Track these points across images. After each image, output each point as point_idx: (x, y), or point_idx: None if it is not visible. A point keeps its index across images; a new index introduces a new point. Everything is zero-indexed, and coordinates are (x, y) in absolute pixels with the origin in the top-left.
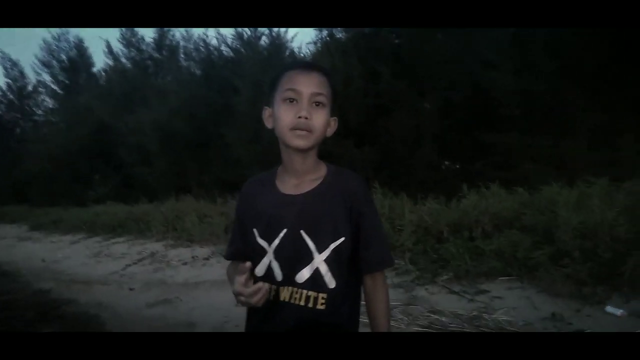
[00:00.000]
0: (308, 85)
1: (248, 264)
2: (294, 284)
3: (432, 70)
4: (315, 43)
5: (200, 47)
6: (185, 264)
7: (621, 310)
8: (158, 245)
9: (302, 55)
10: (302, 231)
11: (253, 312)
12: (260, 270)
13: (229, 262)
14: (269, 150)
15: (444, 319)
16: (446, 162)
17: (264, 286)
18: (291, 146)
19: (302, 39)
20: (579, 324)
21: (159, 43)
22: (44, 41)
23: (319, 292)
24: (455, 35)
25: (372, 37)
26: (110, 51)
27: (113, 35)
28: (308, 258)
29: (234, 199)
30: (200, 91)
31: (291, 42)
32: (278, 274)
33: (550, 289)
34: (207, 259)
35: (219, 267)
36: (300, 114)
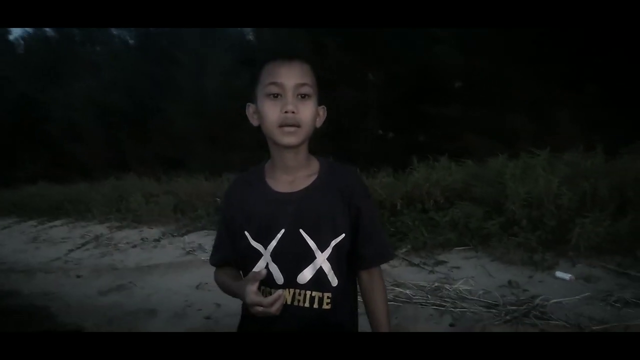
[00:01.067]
0: (290, 76)
1: (264, 271)
2: (295, 285)
3: (378, 44)
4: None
5: None
6: (134, 246)
7: (570, 275)
8: (102, 228)
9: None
10: (301, 230)
11: (249, 318)
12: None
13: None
14: (213, 124)
15: (407, 291)
16: (391, 134)
17: (282, 293)
18: (281, 144)
19: None
20: (533, 290)
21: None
22: None
23: (323, 291)
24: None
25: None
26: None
27: None
28: (309, 258)
29: (179, 176)
30: (137, 62)
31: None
32: (278, 277)
33: (504, 258)
34: (157, 240)
35: (171, 249)
36: (286, 108)
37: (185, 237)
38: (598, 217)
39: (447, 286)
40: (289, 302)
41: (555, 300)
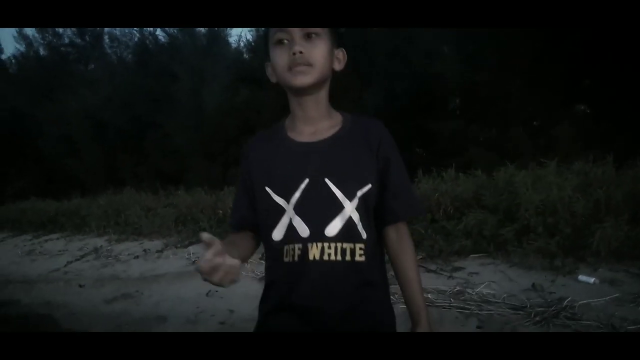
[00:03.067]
0: None
1: (207, 235)
2: (323, 238)
3: (377, 62)
4: (257, 30)
5: (134, 32)
6: (136, 257)
7: (594, 278)
8: (100, 241)
9: (242, 44)
10: (326, 179)
11: (273, 282)
12: (279, 233)
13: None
14: (211, 138)
15: (429, 295)
16: None
17: (224, 262)
18: (294, 86)
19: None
20: (558, 293)
21: (80, 28)
22: None
23: (355, 242)
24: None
25: None
26: (22, 35)
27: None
28: (337, 208)
29: (178, 190)
30: (134, 78)
31: (230, 28)
32: (303, 230)
33: (522, 263)
34: (160, 251)
35: (175, 259)
36: (293, 50)
37: (190, 247)
38: (617, 222)
39: (469, 290)
40: (317, 257)
41: (584, 302)
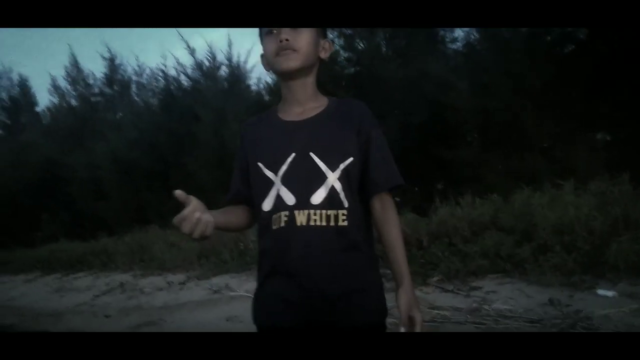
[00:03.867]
0: None
1: (179, 192)
2: (309, 206)
3: (390, 94)
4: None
5: (159, 77)
6: (160, 289)
7: (612, 292)
8: (126, 276)
9: (262, 86)
10: (311, 153)
11: (265, 251)
12: (268, 203)
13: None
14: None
15: (445, 312)
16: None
17: (200, 217)
18: (281, 70)
19: (261, 69)
20: (576, 306)
21: (110, 78)
22: None
23: (338, 209)
24: (410, 60)
25: (329, 64)
26: (55, 88)
27: (58, 73)
28: (321, 178)
29: None
30: (159, 120)
31: (251, 71)
32: (289, 199)
33: (540, 281)
34: (183, 283)
35: (198, 290)
36: (279, 37)
37: (212, 279)
38: (635, 235)
39: (485, 307)
40: (304, 223)
41: (602, 312)
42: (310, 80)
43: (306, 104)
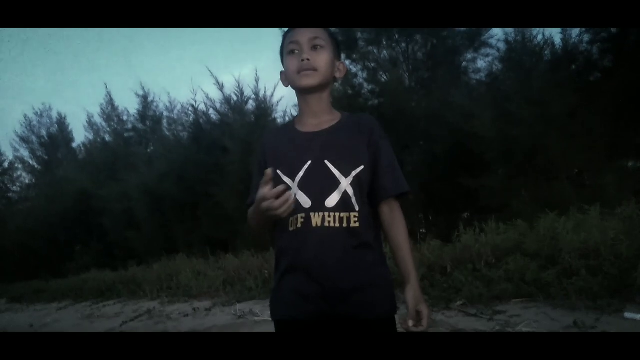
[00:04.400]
0: (304, 33)
1: (269, 170)
2: (324, 209)
3: (414, 125)
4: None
5: (189, 112)
6: (186, 316)
7: None
8: (154, 303)
9: (287, 119)
10: (326, 161)
11: (282, 251)
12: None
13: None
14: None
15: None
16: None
17: (286, 190)
18: (301, 86)
19: (287, 102)
20: (601, 328)
21: (143, 114)
22: (25, 117)
23: (350, 212)
24: (433, 91)
25: (354, 97)
26: (91, 125)
27: (94, 110)
28: (335, 184)
29: (227, 254)
30: (188, 153)
31: (277, 105)
32: (305, 202)
33: (566, 305)
34: (209, 309)
35: (222, 316)
36: (302, 57)
37: (237, 305)
38: None
39: (508, 329)
40: (319, 224)
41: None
42: (325, 95)
43: (322, 116)
